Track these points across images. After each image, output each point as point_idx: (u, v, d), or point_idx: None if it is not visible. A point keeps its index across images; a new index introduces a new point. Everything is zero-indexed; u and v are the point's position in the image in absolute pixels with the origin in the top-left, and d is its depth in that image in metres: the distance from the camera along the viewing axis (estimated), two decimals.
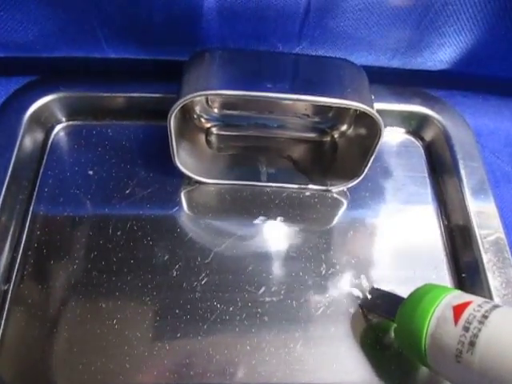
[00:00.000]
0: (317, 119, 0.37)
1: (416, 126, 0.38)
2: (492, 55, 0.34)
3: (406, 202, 0.35)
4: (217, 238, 0.32)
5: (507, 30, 0.31)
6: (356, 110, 0.34)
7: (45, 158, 0.34)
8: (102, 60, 0.34)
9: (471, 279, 0.31)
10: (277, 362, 0.28)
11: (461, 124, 0.37)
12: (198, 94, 0.28)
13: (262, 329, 0.29)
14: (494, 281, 0.30)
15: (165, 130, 0.29)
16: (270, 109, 0.36)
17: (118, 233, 0.32)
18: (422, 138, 0.38)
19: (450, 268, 0.33)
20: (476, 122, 0.38)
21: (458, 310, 0.23)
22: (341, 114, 0.36)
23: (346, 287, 0.31)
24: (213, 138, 0.37)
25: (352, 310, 0.30)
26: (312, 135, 0.37)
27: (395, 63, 0.35)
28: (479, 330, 0.22)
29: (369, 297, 0.30)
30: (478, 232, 0.32)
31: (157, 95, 0.35)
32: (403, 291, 0.30)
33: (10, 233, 0.31)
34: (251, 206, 0.34)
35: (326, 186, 0.34)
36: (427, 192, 0.36)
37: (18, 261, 0.30)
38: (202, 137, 0.36)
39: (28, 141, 0.33)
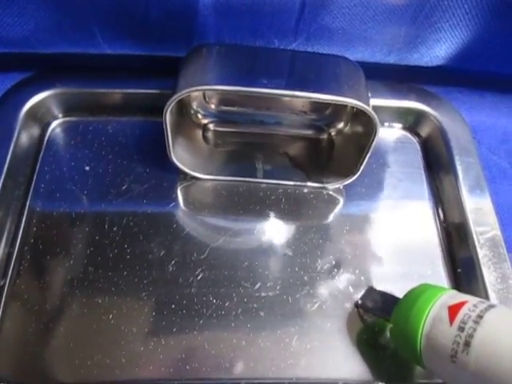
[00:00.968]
0: (314, 116, 0.37)
1: (412, 122, 0.38)
2: (488, 51, 0.34)
3: (402, 197, 0.35)
4: (213, 233, 0.32)
5: (503, 25, 0.31)
6: (353, 108, 0.34)
7: (41, 153, 0.34)
8: (98, 56, 0.34)
9: (467, 274, 0.31)
10: (272, 356, 0.28)
11: (457, 120, 0.37)
12: (194, 89, 0.28)
13: (258, 324, 0.29)
14: (489, 276, 0.30)
15: (161, 125, 0.30)
16: (267, 105, 0.36)
17: (115, 228, 0.32)
18: (418, 134, 0.38)
19: (446, 264, 0.33)
20: (472, 118, 0.38)
21: (454, 310, 0.24)
22: (338, 111, 0.36)
23: (341, 283, 0.31)
24: (210, 134, 0.37)
25: (348, 306, 0.30)
26: (309, 132, 0.37)
27: (391, 59, 0.35)
28: (474, 329, 0.22)
29: (364, 297, 0.30)
30: (474, 228, 0.32)
31: (153, 91, 0.35)
32: (399, 287, 0.30)
33: (7, 228, 0.31)
34: (247, 202, 0.34)
35: (322, 183, 0.35)
36: (423, 188, 0.36)
37: (15, 256, 0.30)
38: (199, 133, 0.36)
39: (24, 137, 0.33)
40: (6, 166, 0.31)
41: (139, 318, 0.29)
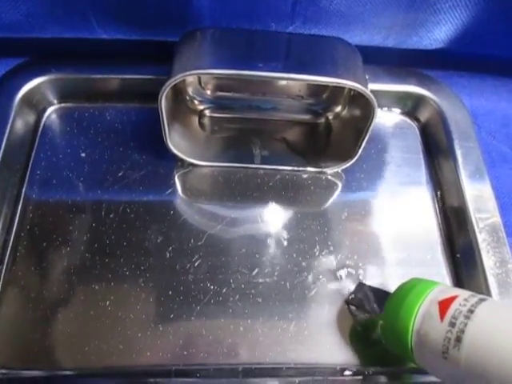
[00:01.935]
0: (311, 101, 0.37)
1: (411, 106, 0.37)
2: (488, 33, 0.33)
3: (400, 183, 0.35)
4: (210, 220, 0.32)
5: (503, 6, 0.31)
6: (350, 91, 0.34)
7: (37, 140, 0.34)
8: (93, 41, 0.34)
9: (466, 259, 0.31)
10: (270, 342, 0.28)
11: (457, 104, 0.36)
12: (188, 73, 0.27)
13: (256, 310, 0.29)
14: (488, 260, 0.30)
15: (158, 112, 0.29)
16: (263, 90, 0.36)
17: (111, 215, 0.32)
18: (417, 119, 0.38)
19: (445, 249, 0.32)
20: (472, 102, 0.37)
21: (444, 306, 0.23)
22: (335, 95, 0.36)
23: (339, 268, 0.31)
24: (206, 121, 0.36)
25: (345, 292, 0.30)
26: (306, 117, 0.37)
27: (390, 42, 0.35)
28: (465, 325, 0.22)
29: (355, 293, 0.30)
30: (473, 213, 0.32)
31: (150, 77, 0.35)
32: (398, 273, 0.31)
33: (2, 215, 0.31)
34: (245, 189, 0.34)
35: (321, 167, 0.34)
36: (422, 173, 0.36)
37: (11, 243, 0.30)
38: (195, 119, 0.36)
39: (19, 123, 0.33)
40: (1, 153, 0.31)
41: (136, 305, 0.29)
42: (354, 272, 0.31)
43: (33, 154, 0.33)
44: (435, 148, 0.36)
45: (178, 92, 0.34)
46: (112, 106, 0.36)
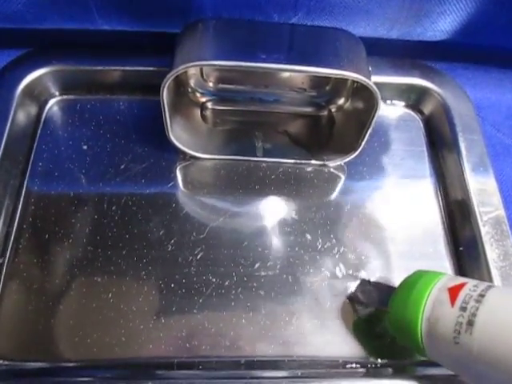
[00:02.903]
0: (314, 93, 0.36)
1: (415, 99, 0.37)
2: (494, 25, 0.33)
3: (404, 176, 0.35)
4: (212, 213, 0.32)
5: None
6: (354, 83, 0.34)
7: (38, 132, 0.34)
8: (95, 32, 0.33)
9: (469, 252, 0.31)
10: (272, 335, 0.28)
11: (461, 97, 0.36)
12: (190, 65, 0.27)
13: (258, 303, 0.29)
14: (491, 253, 0.30)
15: (160, 104, 0.29)
16: (266, 82, 0.36)
17: (113, 208, 0.31)
18: (421, 112, 0.38)
19: (448, 242, 0.32)
20: (477, 94, 0.37)
21: (454, 292, 0.23)
22: (338, 87, 0.35)
23: (342, 262, 0.31)
24: (208, 113, 0.36)
25: (348, 285, 0.30)
26: (309, 109, 0.37)
27: (394, 34, 0.34)
28: (477, 308, 0.22)
29: (358, 289, 0.30)
30: (477, 206, 0.31)
31: (152, 69, 0.35)
32: (400, 265, 0.31)
33: (4, 207, 0.30)
34: (247, 181, 0.33)
35: (323, 160, 0.34)
36: (426, 166, 0.35)
37: (13, 235, 0.30)
38: (197, 111, 0.36)
39: (21, 115, 0.33)
40: (3, 144, 0.31)
41: (138, 297, 0.29)
42: (356, 265, 0.31)
43: (34, 146, 0.33)
44: (439, 141, 0.36)
45: (180, 84, 0.34)
46: (114, 98, 0.36)
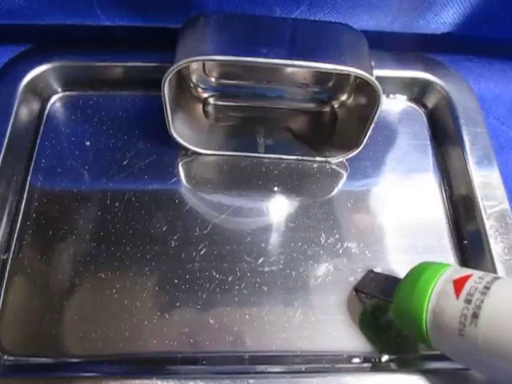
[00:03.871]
0: (316, 89, 0.36)
1: (418, 92, 0.37)
2: (497, 16, 0.33)
3: (407, 170, 0.35)
4: (215, 208, 0.32)
5: None
6: (356, 79, 0.33)
7: (41, 128, 0.34)
8: (96, 28, 0.33)
9: (473, 246, 0.31)
10: (276, 330, 0.28)
11: (465, 89, 0.36)
12: (192, 59, 0.27)
13: (261, 298, 0.29)
14: (496, 246, 0.30)
15: (162, 100, 0.29)
16: (268, 78, 0.35)
17: (117, 204, 0.31)
18: (424, 105, 0.37)
19: (452, 235, 0.32)
20: (480, 87, 0.37)
21: (459, 284, 0.23)
22: (340, 83, 0.35)
23: (345, 257, 0.31)
24: (210, 109, 0.36)
25: (351, 280, 0.30)
26: (311, 105, 0.37)
27: (397, 27, 0.34)
28: (482, 301, 0.22)
29: (364, 280, 0.30)
30: (481, 199, 0.31)
31: (154, 64, 0.35)
32: (404, 260, 0.30)
33: (8, 203, 0.31)
34: (250, 177, 0.33)
35: (326, 156, 0.34)
36: (429, 160, 0.35)
37: (17, 231, 0.30)
38: (199, 107, 0.36)
39: (24, 111, 0.33)
40: (6, 141, 0.31)
41: (142, 293, 0.29)
42: (360, 259, 0.30)
43: (37, 143, 0.33)
44: (442, 134, 0.36)
45: (182, 79, 0.34)
46: (116, 94, 0.36)
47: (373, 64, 0.28)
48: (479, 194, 0.32)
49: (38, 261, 0.29)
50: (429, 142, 0.36)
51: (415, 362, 0.28)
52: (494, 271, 0.29)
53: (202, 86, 0.36)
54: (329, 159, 0.34)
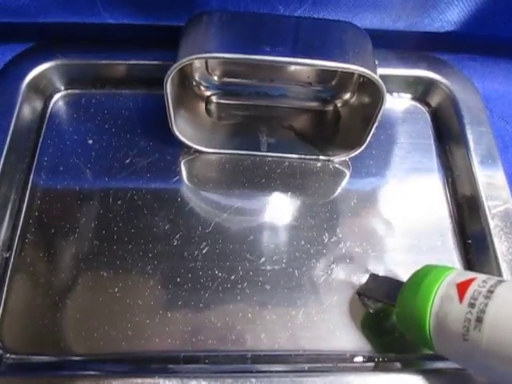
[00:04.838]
0: (319, 88, 0.36)
1: (422, 91, 0.37)
2: (502, 15, 0.32)
3: (411, 169, 0.34)
4: (217, 207, 0.32)
5: None
6: (359, 77, 0.33)
7: (44, 127, 0.34)
8: (99, 26, 0.33)
9: (477, 245, 0.31)
10: (279, 329, 0.28)
11: (469, 88, 0.36)
12: (194, 57, 0.27)
13: (264, 297, 0.29)
14: (500, 246, 0.29)
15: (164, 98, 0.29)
16: (271, 76, 0.35)
17: (119, 202, 0.31)
18: (428, 104, 0.37)
19: (456, 235, 0.32)
20: (485, 86, 0.36)
21: (463, 287, 0.23)
22: (344, 81, 0.35)
23: (348, 256, 0.30)
24: (213, 107, 0.36)
25: (354, 279, 0.30)
26: (314, 104, 0.36)
27: (401, 25, 0.34)
28: (486, 305, 0.21)
29: (367, 284, 0.29)
30: (485, 199, 0.31)
31: (157, 62, 0.35)
32: (408, 259, 0.30)
33: (11, 201, 0.31)
34: (252, 176, 0.33)
35: (328, 155, 0.34)
36: (433, 159, 0.35)
37: (19, 229, 0.30)
38: (202, 105, 0.36)
39: (26, 110, 0.33)
40: (9, 139, 0.31)
41: (145, 291, 0.29)
42: (363, 259, 0.30)
43: (40, 141, 0.33)
44: (446, 133, 0.36)
45: (185, 78, 0.34)
46: (119, 93, 0.36)
47: (376, 62, 0.28)
48: (483, 193, 0.31)
49: (40, 259, 0.29)
50: (432, 142, 0.36)
51: (418, 362, 0.28)
52: (499, 271, 0.29)
53: (204, 84, 0.36)
54: (332, 158, 0.34)
